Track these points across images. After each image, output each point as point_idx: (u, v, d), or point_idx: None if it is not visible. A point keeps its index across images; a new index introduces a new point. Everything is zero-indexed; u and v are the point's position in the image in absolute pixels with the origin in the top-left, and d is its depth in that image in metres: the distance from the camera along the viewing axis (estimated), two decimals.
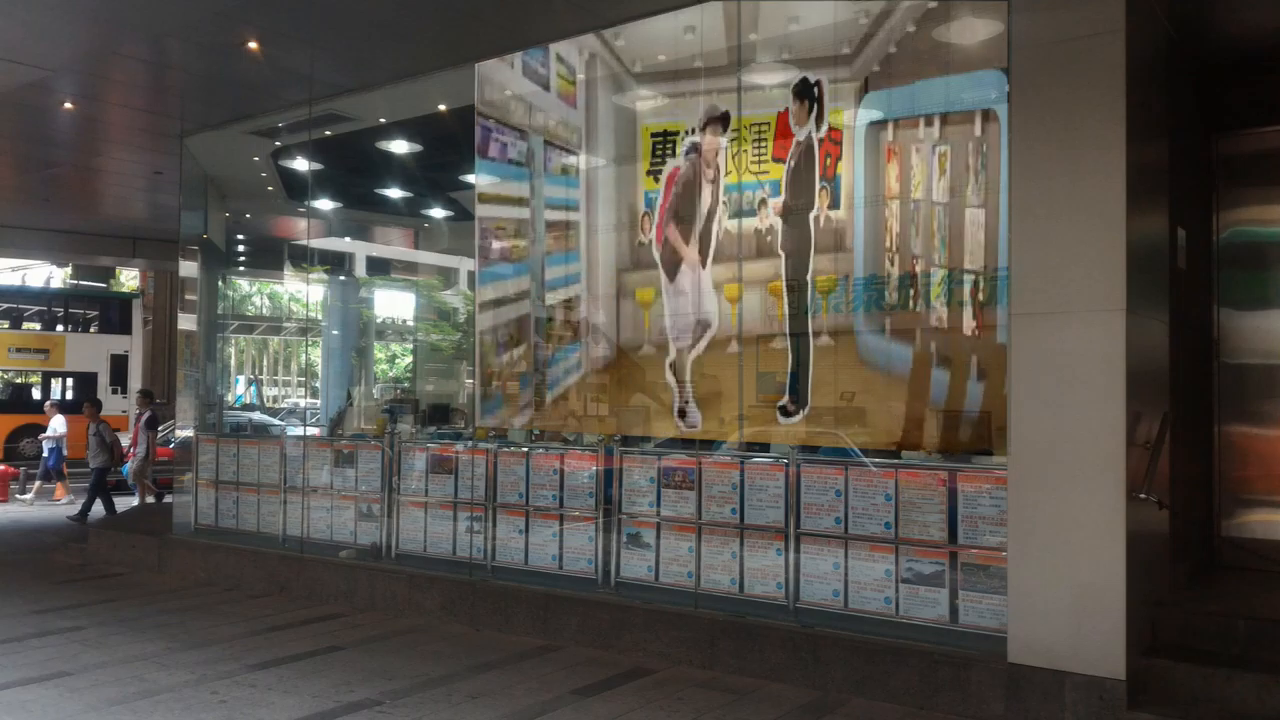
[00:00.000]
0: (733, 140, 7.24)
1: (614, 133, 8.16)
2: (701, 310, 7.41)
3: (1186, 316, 6.38)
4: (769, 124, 7.08)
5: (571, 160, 8.31)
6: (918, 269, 6.49)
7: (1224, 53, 6.81)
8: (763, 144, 7.08)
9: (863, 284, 6.73)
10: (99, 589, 9.14)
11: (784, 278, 7.04)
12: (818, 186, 6.88)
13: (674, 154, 7.58)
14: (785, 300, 7.01)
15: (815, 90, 6.88)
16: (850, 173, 6.81)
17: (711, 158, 7.38)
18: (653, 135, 7.70)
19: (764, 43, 7.27)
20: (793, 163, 6.96)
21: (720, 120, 7.37)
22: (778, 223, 7.07)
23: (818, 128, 6.86)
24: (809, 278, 6.90)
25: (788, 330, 6.98)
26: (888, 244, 6.67)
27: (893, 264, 6.62)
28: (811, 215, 6.89)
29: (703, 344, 7.39)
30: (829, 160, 6.86)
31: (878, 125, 6.77)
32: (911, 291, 6.51)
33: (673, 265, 7.59)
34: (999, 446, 5.76)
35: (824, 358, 6.82)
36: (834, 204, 6.82)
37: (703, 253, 7.42)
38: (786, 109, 7.00)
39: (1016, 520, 5.38)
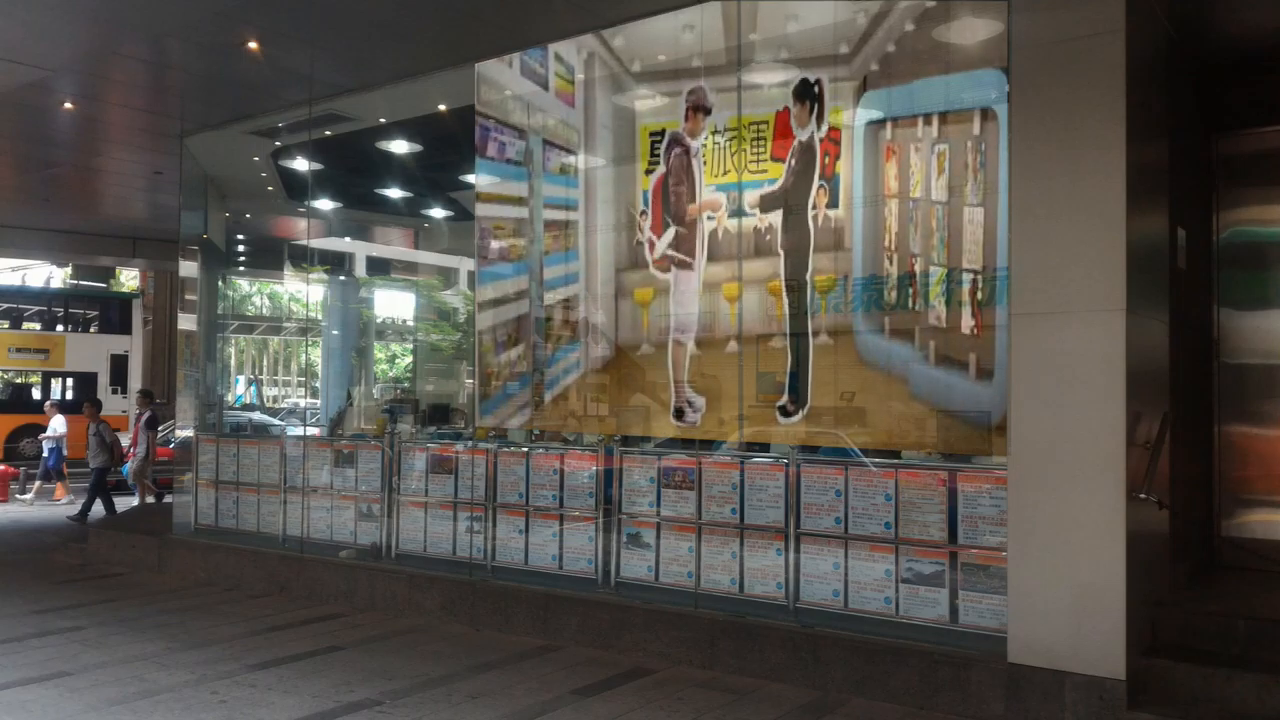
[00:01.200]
0: (731, 139, 7.22)
1: (613, 132, 8.16)
2: (698, 310, 7.39)
3: (1186, 316, 6.38)
4: (768, 123, 7.06)
5: (571, 160, 8.31)
6: (917, 268, 6.46)
7: (1224, 53, 6.81)
8: (761, 143, 7.08)
9: (861, 283, 6.71)
10: (99, 589, 9.14)
11: (783, 277, 7.02)
12: (816, 185, 6.86)
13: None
14: (784, 299, 6.98)
15: (815, 90, 6.87)
16: (849, 171, 6.80)
17: (697, 150, 7.37)
18: (651, 135, 7.70)
19: (763, 41, 7.25)
20: (793, 161, 6.95)
21: (703, 109, 7.33)
22: (776, 221, 7.03)
23: (819, 127, 6.85)
24: (808, 277, 6.88)
25: (787, 330, 6.96)
26: (887, 243, 6.64)
27: (892, 263, 6.60)
28: (810, 214, 6.87)
29: (699, 344, 7.37)
30: (828, 159, 6.84)
31: (876, 124, 6.75)
32: (910, 291, 6.49)
33: (666, 264, 7.58)
34: (999, 447, 5.76)
35: (823, 357, 6.80)
36: (833, 203, 6.80)
37: (695, 252, 7.38)
38: (786, 108, 6.98)
39: (1016, 520, 5.38)
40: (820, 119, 6.85)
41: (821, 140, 6.86)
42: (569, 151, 8.30)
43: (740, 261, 7.18)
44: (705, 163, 7.37)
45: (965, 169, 6.26)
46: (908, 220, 6.53)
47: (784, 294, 6.99)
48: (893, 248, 6.61)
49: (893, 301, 6.58)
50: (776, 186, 7.03)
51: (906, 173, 6.56)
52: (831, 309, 6.81)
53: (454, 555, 8.14)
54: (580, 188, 8.25)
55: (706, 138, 7.34)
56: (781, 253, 7.04)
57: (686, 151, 7.48)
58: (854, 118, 6.81)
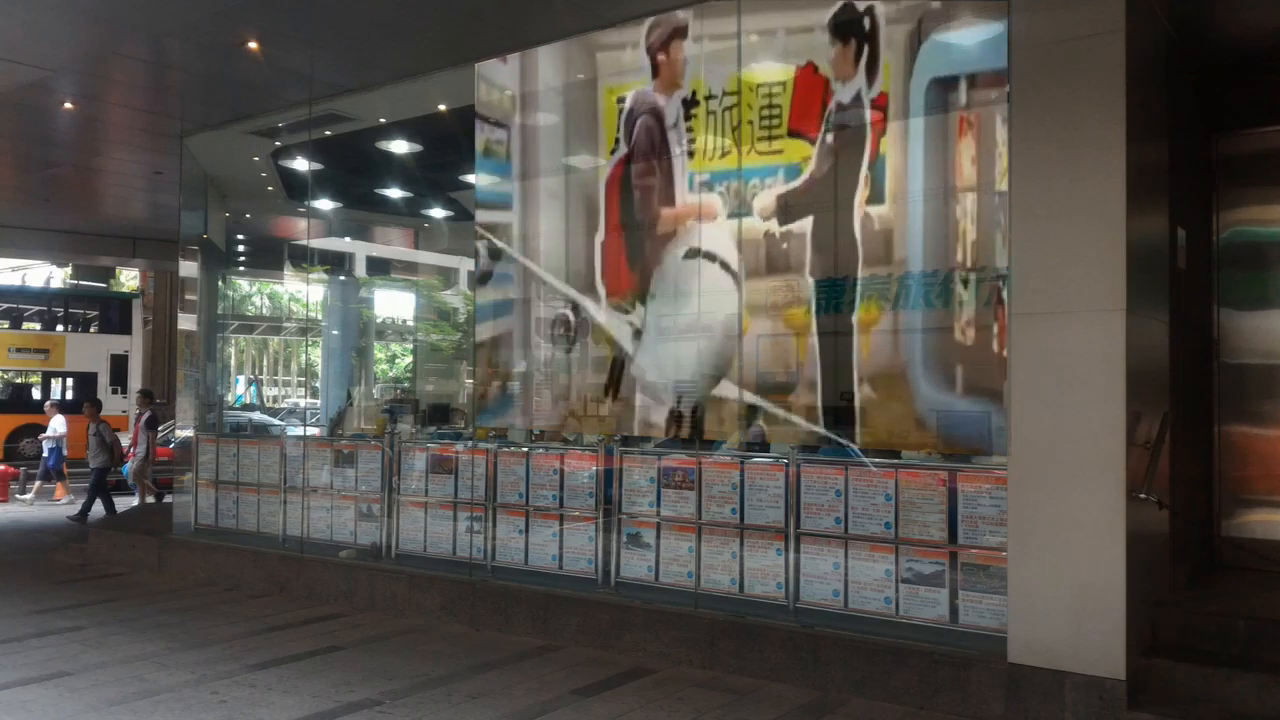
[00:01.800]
0: (730, 108, 5.48)
1: (565, 98, 7.60)
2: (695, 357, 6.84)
3: (1186, 316, 6.38)
4: (784, 85, 5.08)
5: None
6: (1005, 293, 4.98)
7: (1224, 53, 6.81)
8: (775, 112, 5.19)
9: (922, 300, 5.00)
10: (99, 589, 9.14)
11: (813, 311, 5.50)
12: (863, 174, 4.95)
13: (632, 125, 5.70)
14: (815, 342, 5.54)
15: (866, 24, 4.61)
16: (900, 155, 4.84)
17: (675, 120, 5.46)
18: (619, 100, 6.37)
19: None
20: (827, 138, 4.87)
21: (681, 33, 5.36)
22: (806, 226, 5.17)
23: (869, 85, 4.69)
24: (854, 319, 5.08)
25: (818, 379, 6.09)
26: (960, 256, 4.92)
27: (967, 287, 4.74)
28: (857, 215, 4.92)
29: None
30: (874, 135, 4.97)
31: (942, 84, 4.74)
32: (997, 326, 4.92)
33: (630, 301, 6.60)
34: None
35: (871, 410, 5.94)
36: (877, 198, 4.91)
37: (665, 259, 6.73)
38: (809, 62, 4.97)
39: (1016, 520, 5.38)
40: (872, 71, 4.72)
41: (872, 102, 4.81)
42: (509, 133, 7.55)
43: (742, 287, 6.12)
44: (691, 139, 5.45)
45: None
46: (993, 223, 4.69)
47: (814, 335, 5.30)
48: (968, 263, 4.80)
49: (963, 323, 4.90)
50: (801, 180, 5.11)
51: (991, 153, 4.82)
52: (882, 355, 5.23)
53: (454, 555, 8.13)
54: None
55: (696, 104, 5.41)
56: (810, 279, 5.19)
57: (660, 122, 5.58)
58: (907, 76, 4.86)
